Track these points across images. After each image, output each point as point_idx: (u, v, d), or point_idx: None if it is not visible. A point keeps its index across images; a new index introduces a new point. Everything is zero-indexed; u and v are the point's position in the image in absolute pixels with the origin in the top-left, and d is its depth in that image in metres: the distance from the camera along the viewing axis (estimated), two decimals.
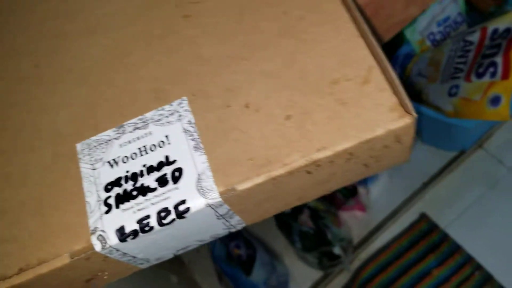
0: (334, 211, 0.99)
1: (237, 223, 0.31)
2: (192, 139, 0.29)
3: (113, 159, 0.30)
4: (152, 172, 0.29)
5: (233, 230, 0.32)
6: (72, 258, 0.28)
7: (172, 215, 0.28)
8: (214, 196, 0.27)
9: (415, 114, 0.27)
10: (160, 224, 0.28)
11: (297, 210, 0.89)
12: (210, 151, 0.29)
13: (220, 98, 0.31)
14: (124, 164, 0.30)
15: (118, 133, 0.31)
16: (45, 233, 0.29)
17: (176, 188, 0.28)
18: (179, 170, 0.29)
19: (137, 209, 0.28)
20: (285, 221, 0.90)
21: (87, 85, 0.34)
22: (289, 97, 0.30)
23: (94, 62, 0.34)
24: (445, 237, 1.03)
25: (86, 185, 0.29)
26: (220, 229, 0.31)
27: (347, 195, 0.97)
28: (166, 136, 0.30)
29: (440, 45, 1.00)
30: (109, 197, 0.29)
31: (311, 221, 0.88)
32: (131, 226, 0.28)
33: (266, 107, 0.30)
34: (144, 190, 0.28)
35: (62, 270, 0.28)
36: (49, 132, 0.32)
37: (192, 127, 0.30)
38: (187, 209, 0.28)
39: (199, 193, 0.28)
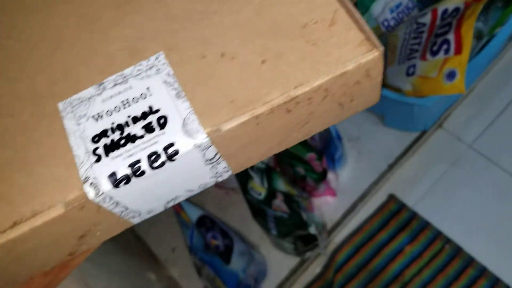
0: (307, 197, 1.01)
1: (223, 170, 0.32)
2: (173, 89, 0.30)
3: (97, 114, 0.31)
4: (138, 121, 0.30)
5: (220, 179, 0.33)
6: (66, 207, 0.28)
7: (162, 158, 0.29)
8: (202, 137, 0.29)
9: (381, 48, 0.29)
10: (151, 167, 0.28)
11: (271, 196, 0.90)
12: (192, 98, 0.30)
13: (195, 51, 0.32)
14: (109, 117, 0.30)
15: (99, 90, 0.32)
16: (36, 187, 0.29)
17: (164, 133, 0.29)
18: (164, 117, 0.30)
19: (127, 156, 0.29)
20: (260, 208, 0.91)
21: (62, 50, 0.34)
22: (262, 44, 0.31)
23: (65, 30, 0.35)
24: (414, 215, 1.07)
25: (72, 140, 0.30)
26: (208, 177, 0.32)
27: (317, 179, 0.99)
28: (147, 88, 0.31)
29: (394, 30, 1.04)
30: (97, 148, 0.29)
31: (285, 205, 0.90)
32: (123, 171, 0.28)
33: (241, 55, 0.31)
34: (131, 138, 0.29)
35: (56, 221, 0.29)
36: (28, 96, 0.33)
37: (172, 78, 0.31)
38: (176, 152, 0.29)
39: (187, 135, 0.29)
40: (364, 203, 1.09)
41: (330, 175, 1.06)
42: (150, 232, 1.14)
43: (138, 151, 0.29)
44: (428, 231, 1.04)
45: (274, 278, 1.04)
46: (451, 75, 0.85)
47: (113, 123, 0.30)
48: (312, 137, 0.97)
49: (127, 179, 0.28)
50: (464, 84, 0.84)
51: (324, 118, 0.33)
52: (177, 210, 0.93)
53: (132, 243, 1.08)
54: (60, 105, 0.32)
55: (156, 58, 0.32)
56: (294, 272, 1.04)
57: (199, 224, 0.91)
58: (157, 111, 0.30)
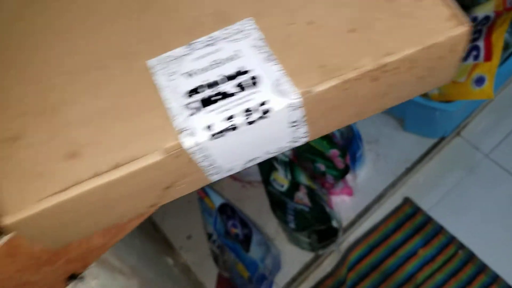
0: (325, 193, 1.02)
1: (302, 135, 0.33)
2: (263, 52, 0.31)
3: (189, 71, 0.32)
4: (230, 80, 0.31)
5: (295, 144, 0.34)
6: (165, 154, 0.29)
7: (256, 115, 0.29)
8: (295, 97, 0.30)
9: (469, 24, 0.31)
10: (246, 122, 0.29)
11: (293, 188, 0.91)
12: (282, 61, 0.31)
13: (283, 17, 0.33)
14: (200, 75, 0.31)
15: (188, 50, 0.32)
16: (132, 135, 0.30)
17: (256, 92, 0.30)
18: (256, 77, 0.30)
19: (222, 110, 0.30)
20: (280, 200, 0.92)
21: (151, 12, 0.35)
22: (349, 14, 0.32)
23: None
24: (428, 219, 1.07)
25: (164, 94, 0.31)
26: (286, 141, 0.33)
27: (338, 176, 1.00)
28: (236, 51, 0.32)
29: None
30: (191, 102, 0.30)
31: (308, 198, 0.91)
32: (219, 124, 0.29)
33: (329, 23, 0.32)
34: (225, 95, 0.30)
35: (152, 168, 0.29)
36: (118, 52, 0.33)
37: (262, 42, 0.32)
38: (269, 109, 0.30)
39: (279, 95, 0.30)
40: (380, 204, 1.10)
41: (349, 174, 1.07)
42: (165, 220, 1.15)
43: (233, 107, 0.30)
44: (442, 236, 1.05)
45: (287, 272, 1.05)
46: (480, 81, 0.87)
47: (204, 81, 0.31)
48: (334, 135, 0.98)
49: (222, 132, 0.29)
50: (492, 90, 0.85)
51: (402, 91, 0.34)
52: (201, 195, 0.94)
53: (148, 229, 1.09)
54: (151, 62, 0.32)
55: (244, 24, 0.33)
56: (307, 268, 1.05)
57: (221, 211, 0.92)
58: (248, 71, 0.31)
